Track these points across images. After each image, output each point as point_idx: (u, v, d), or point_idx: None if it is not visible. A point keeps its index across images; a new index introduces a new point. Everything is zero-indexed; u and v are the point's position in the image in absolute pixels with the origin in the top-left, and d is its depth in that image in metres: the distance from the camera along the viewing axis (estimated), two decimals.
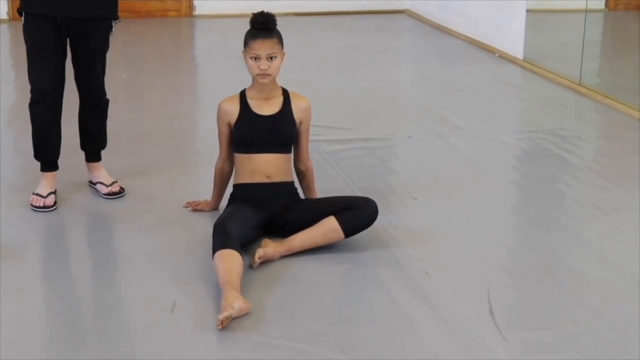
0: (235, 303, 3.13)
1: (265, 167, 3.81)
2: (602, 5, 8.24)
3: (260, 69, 3.75)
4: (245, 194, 3.82)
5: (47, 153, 4.24)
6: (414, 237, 3.86)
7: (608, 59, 7.84)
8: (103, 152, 4.41)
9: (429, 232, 3.94)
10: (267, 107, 3.86)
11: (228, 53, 7.52)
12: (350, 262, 3.63)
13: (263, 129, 3.83)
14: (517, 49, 7.30)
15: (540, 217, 4.17)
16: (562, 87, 6.50)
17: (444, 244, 3.83)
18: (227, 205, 3.86)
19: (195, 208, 4.08)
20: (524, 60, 7.20)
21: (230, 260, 3.36)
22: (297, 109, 3.89)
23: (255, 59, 3.76)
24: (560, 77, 6.66)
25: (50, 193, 4.18)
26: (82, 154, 4.41)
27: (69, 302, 3.34)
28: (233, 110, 3.86)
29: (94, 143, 4.37)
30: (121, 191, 4.32)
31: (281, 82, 3.94)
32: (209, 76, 6.95)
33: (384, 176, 4.65)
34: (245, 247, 3.58)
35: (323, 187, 4.11)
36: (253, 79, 3.84)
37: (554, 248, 3.87)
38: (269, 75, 3.77)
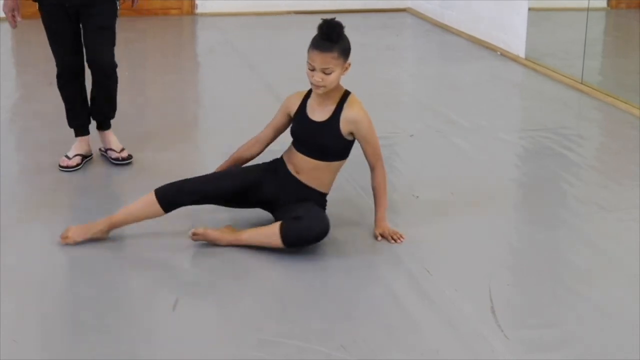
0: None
1: (299, 164, 3.80)
2: (604, 4, 8.25)
3: (314, 80, 3.67)
4: (276, 165, 3.87)
5: (75, 119, 4.72)
6: (416, 235, 3.86)
7: (610, 58, 7.84)
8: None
9: (431, 230, 3.93)
10: (318, 112, 3.78)
11: (230, 51, 7.54)
12: (352, 259, 3.64)
13: (306, 134, 3.79)
14: (519, 47, 7.30)
15: (542, 215, 4.17)
16: (564, 86, 6.50)
17: (445, 242, 3.83)
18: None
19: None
20: (526, 59, 7.20)
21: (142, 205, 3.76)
22: (345, 120, 3.74)
23: (311, 69, 3.66)
24: (562, 75, 6.66)
25: (76, 155, 4.66)
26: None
27: (70, 299, 3.34)
28: (294, 105, 3.85)
29: (102, 114, 4.74)
30: (129, 157, 4.73)
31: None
32: (210, 74, 6.95)
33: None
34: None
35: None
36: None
37: (556, 246, 3.87)
38: (322, 87, 3.67)
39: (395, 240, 3.76)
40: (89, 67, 4.56)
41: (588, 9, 6.86)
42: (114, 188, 4.54)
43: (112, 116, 4.78)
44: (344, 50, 3.68)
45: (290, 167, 3.84)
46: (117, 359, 2.94)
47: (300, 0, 9.22)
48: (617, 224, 4.07)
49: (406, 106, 6.07)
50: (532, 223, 4.12)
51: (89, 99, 4.72)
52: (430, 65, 7.36)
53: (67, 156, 4.64)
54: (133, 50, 7.57)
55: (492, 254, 3.74)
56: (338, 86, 3.76)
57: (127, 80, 6.33)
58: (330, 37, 3.64)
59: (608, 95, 6.12)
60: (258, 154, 3.99)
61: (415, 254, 3.68)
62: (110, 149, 4.75)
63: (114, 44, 4.56)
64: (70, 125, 4.75)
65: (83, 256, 3.69)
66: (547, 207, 4.27)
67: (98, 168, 4.73)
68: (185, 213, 3.98)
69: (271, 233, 3.63)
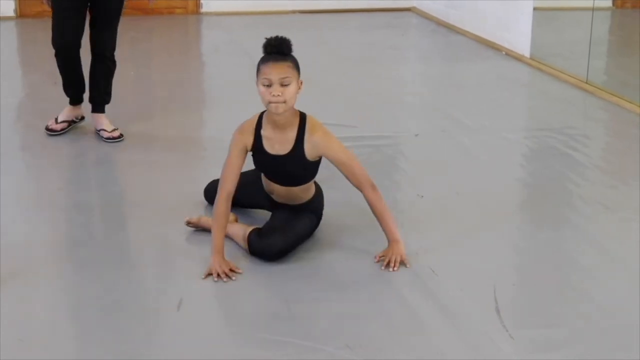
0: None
1: (271, 187, 3.73)
2: (609, 3, 8.21)
3: (273, 95, 3.40)
4: (256, 174, 3.80)
5: (69, 90, 5.09)
6: (421, 235, 3.86)
7: (615, 57, 7.82)
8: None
9: (436, 230, 3.93)
10: (278, 145, 3.56)
11: (234, 50, 7.53)
12: (357, 260, 3.63)
13: (271, 168, 3.64)
14: (524, 47, 7.28)
15: (547, 215, 4.16)
16: (569, 85, 6.49)
17: (450, 242, 3.82)
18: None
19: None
20: (530, 58, 7.18)
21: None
22: (310, 147, 3.55)
23: (267, 85, 3.42)
24: (567, 75, 6.65)
25: (63, 121, 5.09)
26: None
27: (74, 298, 3.34)
28: (248, 141, 3.59)
29: (99, 96, 5.08)
30: (120, 136, 5.02)
31: None
32: (215, 73, 6.95)
33: (391, 174, 4.64)
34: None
35: (329, 184, 4.09)
36: (267, 108, 3.52)
37: (561, 246, 3.87)
38: (283, 102, 3.42)
39: (392, 268, 3.53)
40: (93, 48, 4.96)
41: (593, 9, 6.84)
42: (120, 187, 4.54)
43: (108, 101, 5.11)
44: (297, 64, 3.49)
45: (264, 185, 3.79)
46: (122, 358, 2.94)
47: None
48: (622, 224, 4.06)
49: (411, 106, 6.06)
50: (537, 223, 4.12)
51: (89, 83, 5.07)
52: (435, 64, 7.35)
53: (55, 119, 5.09)
54: (138, 49, 7.57)
55: (496, 253, 3.74)
56: (294, 110, 3.55)
57: (133, 79, 6.34)
58: (282, 50, 3.44)
59: (613, 94, 6.10)
60: (230, 207, 3.60)
61: (420, 254, 3.67)
62: (103, 130, 5.05)
63: (116, 35, 4.99)
64: (66, 94, 5.11)
65: (87, 256, 3.69)
66: (552, 207, 4.26)
67: (104, 168, 4.74)
68: (186, 212, 3.97)
69: (242, 236, 3.62)
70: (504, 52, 7.53)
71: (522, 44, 7.31)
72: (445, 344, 3.03)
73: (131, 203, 4.26)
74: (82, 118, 5.18)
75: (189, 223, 3.85)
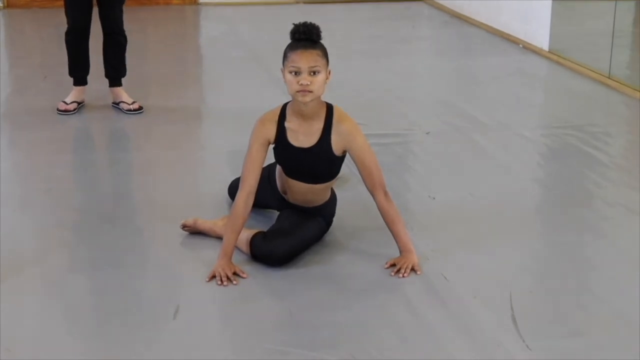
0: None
1: (289, 186, 3.70)
2: None
3: (301, 85, 3.41)
4: (269, 171, 3.78)
5: (76, 70, 5.57)
6: (432, 238, 3.86)
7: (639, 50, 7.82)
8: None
9: (448, 233, 3.93)
10: (303, 137, 3.56)
11: (233, 42, 7.55)
12: (364, 264, 3.63)
13: (295, 162, 3.60)
14: (542, 40, 7.29)
15: (567, 217, 4.16)
16: (591, 80, 6.49)
17: (463, 246, 3.82)
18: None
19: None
20: (549, 52, 7.19)
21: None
22: (338, 136, 3.55)
23: (295, 73, 3.42)
24: (589, 69, 6.65)
25: (73, 102, 5.53)
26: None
27: (69, 306, 3.35)
28: (270, 132, 3.58)
29: (114, 70, 5.61)
30: (140, 108, 5.53)
31: None
32: (213, 65, 6.96)
33: (401, 174, 4.65)
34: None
35: (336, 184, 4.11)
36: (293, 97, 3.53)
37: (581, 251, 3.86)
38: (310, 92, 3.42)
39: (402, 274, 3.53)
40: (103, 27, 5.47)
41: None
42: (114, 188, 4.55)
43: (124, 74, 5.65)
44: (326, 53, 3.49)
45: (278, 183, 3.77)
46: None
47: None
48: None
49: (422, 102, 6.07)
50: (555, 226, 4.11)
51: (103, 60, 5.57)
52: (448, 58, 7.36)
53: (64, 102, 5.50)
54: (133, 41, 7.53)
55: (513, 259, 3.73)
56: (320, 100, 3.56)
57: (128, 71, 6.34)
58: (311, 37, 3.45)
59: (637, 90, 6.10)
60: (251, 205, 3.59)
61: (431, 259, 3.67)
62: (122, 102, 5.55)
63: (122, 12, 5.50)
64: (73, 75, 5.57)
65: (83, 261, 3.70)
66: (571, 209, 4.26)
67: (96, 168, 4.75)
68: (184, 217, 3.98)
69: (245, 240, 3.61)
70: (520, 45, 7.53)
71: (540, 37, 7.32)
72: (457, 354, 3.03)
73: (126, 205, 4.27)
74: (83, 102, 5.61)
75: (184, 226, 3.85)
